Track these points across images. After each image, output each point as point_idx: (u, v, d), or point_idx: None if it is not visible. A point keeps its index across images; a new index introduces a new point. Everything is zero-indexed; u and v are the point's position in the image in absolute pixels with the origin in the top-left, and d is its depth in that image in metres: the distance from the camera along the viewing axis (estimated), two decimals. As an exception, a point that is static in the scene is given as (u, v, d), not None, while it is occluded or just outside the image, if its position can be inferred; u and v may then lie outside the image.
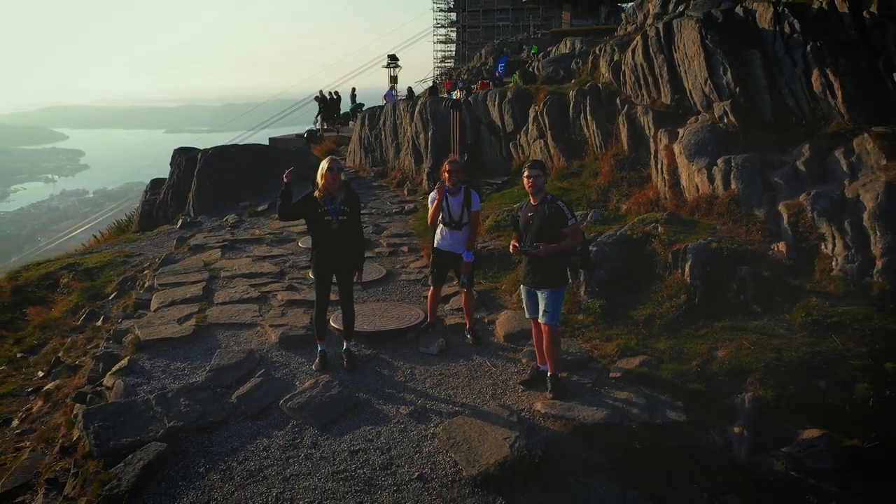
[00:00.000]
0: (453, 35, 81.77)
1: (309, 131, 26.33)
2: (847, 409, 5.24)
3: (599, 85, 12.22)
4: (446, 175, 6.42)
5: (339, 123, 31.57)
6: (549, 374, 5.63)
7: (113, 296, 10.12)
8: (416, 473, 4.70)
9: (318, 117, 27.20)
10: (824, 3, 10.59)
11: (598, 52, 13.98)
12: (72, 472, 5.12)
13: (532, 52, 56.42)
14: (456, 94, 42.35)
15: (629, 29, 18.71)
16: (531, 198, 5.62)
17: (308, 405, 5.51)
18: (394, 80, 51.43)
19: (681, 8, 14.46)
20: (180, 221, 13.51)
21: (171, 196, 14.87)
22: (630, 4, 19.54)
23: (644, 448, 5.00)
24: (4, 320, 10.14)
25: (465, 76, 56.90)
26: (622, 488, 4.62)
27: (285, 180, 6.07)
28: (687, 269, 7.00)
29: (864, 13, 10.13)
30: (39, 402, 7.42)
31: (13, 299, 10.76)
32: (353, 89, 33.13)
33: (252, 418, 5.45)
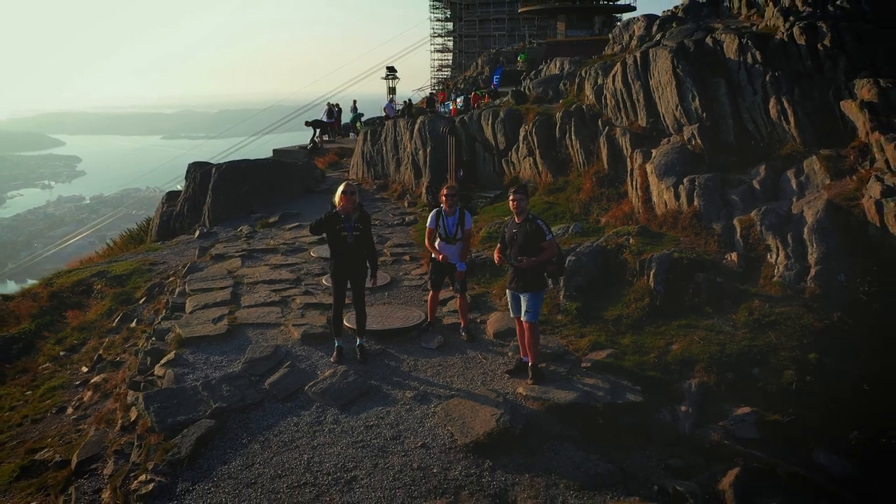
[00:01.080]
0: (450, 44, 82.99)
1: (312, 142, 27.34)
2: (774, 391, 6.36)
3: (584, 107, 13.36)
4: (444, 199, 7.53)
5: (340, 135, 32.66)
6: (530, 364, 6.74)
7: (143, 300, 11.21)
8: (420, 443, 5.81)
9: (317, 132, 28.18)
10: (785, 35, 11.79)
11: (584, 74, 15.13)
12: (135, 444, 6.21)
13: (520, 59, 57.57)
14: (452, 105, 43.36)
15: (616, 49, 19.90)
16: (515, 216, 6.73)
17: (329, 390, 6.61)
18: (392, 90, 52.45)
19: (660, 35, 15.63)
20: (197, 232, 14.61)
21: (187, 208, 15.99)
22: (617, 25, 20.69)
23: (606, 423, 6.11)
24: (45, 322, 11.22)
25: (462, 85, 58.06)
26: (586, 453, 5.73)
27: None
28: (652, 276, 8.12)
29: (819, 46, 11.32)
30: (89, 393, 8.50)
31: (51, 304, 11.84)
32: (354, 102, 34.24)
33: (282, 401, 6.55)
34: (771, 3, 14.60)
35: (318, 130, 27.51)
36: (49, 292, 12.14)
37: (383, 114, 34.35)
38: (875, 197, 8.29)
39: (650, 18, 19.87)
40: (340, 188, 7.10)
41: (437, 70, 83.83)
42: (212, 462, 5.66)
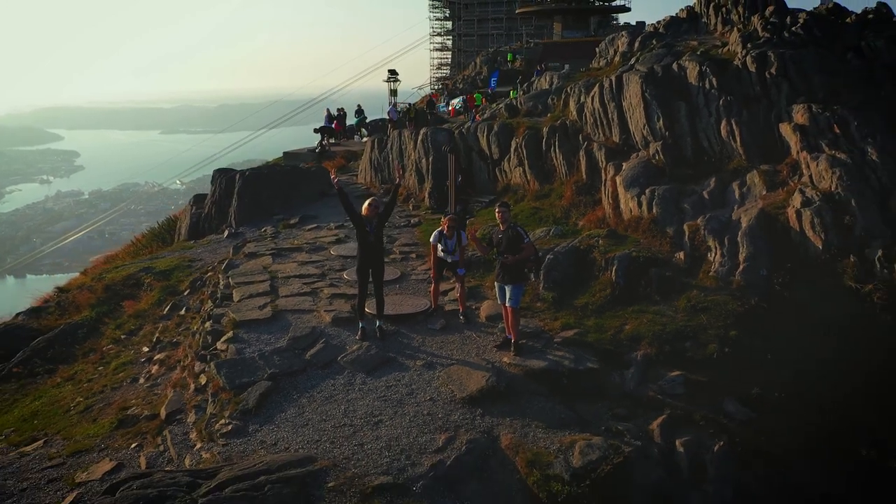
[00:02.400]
0: (449, 43, 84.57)
1: (320, 146, 29.03)
2: (699, 359, 8.27)
3: (567, 122, 15.24)
4: (445, 225, 9.43)
5: (345, 137, 34.46)
6: (513, 340, 8.63)
7: (187, 292, 13.10)
8: (428, 397, 7.71)
9: (325, 136, 29.78)
10: (740, 62, 13.68)
11: (569, 90, 16.98)
12: (210, 400, 8.12)
13: (509, 58, 59.13)
14: (451, 107, 44.99)
15: (601, 63, 21.73)
16: (500, 224, 8.62)
17: (356, 360, 8.51)
18: (394, 93, 54.15)
19: (640, 54, 17.49)
20: (226, 232, 16.49)
21: (214, 210, 17.85)
22: (603, 42, 22.52)
23: (570, 383, 8.02)
24: (104, 311, 13.11)
25: (461, 85, 59.62)
26: (553, 405, 7.64)
27: (336, 188, 9.07)
28: (614, 271, 10.02)
29: (767, 73, 13.20)
30: (156, 367, 10.41)
31: (106, 295, 13.72)
32: (359, 105, 35.98)
33: (321, 368, 8.45)
34: (735, 30, 16.51)
35: (325, 135, 29.24)
36: (103, 285, 14.02)
37: (387, 118, 36.18)
38: (797, 207, 10.20)
39: (633, 34, 21.69)
40: (367, 201, 8.99)
41: (437, 68, 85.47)
42: (272, 411, 7.57)
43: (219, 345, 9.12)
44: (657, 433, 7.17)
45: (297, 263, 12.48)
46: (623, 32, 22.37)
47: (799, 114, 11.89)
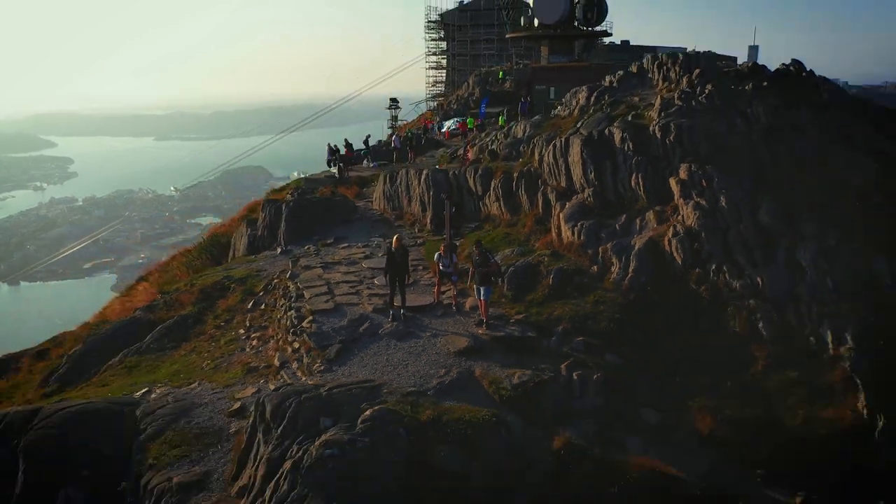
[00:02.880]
0: (444, 62, 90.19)
1: (339, 169, 34.25)
2: (596, 331, 13.91)
3: (531, 169, 20.87)
4: (442, 249, 15.03)
5: (354, 163, 39.97)
6: (484, 321, 14.23)
7: (262, 293, 18.64)
8: (434, 352, 13.32)
9: (337, 162, 35.02)
10: (651, 129, 19.34)
11: (535, 142, 22.59)
12: (304, 355, 13.70)
13: (500, 76, 64.74)
14: (446, 129, 50.67)
15: (565, 112, 27.36)
16: (476, 251, 14.24)
17: (391, 333, 14.12)
18: (395, 118, 59.88)
19: (594, 109, 23.17)
20: (278, 249, 22.04)
21: (266, 232, 23.42)
22: (567, 95, 28.18)
23: (518, 344, 13.64)
24: (204, 307, 18.66)
25: (455, 106, 65.17)
26: (506, 356, 13.25)
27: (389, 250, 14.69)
28: (551, 279, 15.66)
29: (668, 139, 18.87)
30: (255, 341, 15.98)
31: (201, 295, 19.27)
32: (368, 136, 41.58)
33: (369, 337, 14.05)
34: (659, 97, 22.16)
35: (341, 164, 34.69)
36: (198, 288, 19.58)
37: (392, 145, 41.78)
38: (670, 237, 15.86)
39: (591, 90, 27.29)
40: (395, 236, 14.62)
41: (433, 85, 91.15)
42: (345, 359, 13.19)
43: (304, 324, 14.71)
44: (563, 370, 12.79)
45: (340, 273, 18.09)
46: (584, 88, 27.97)
47: (682, 171, 17.55)
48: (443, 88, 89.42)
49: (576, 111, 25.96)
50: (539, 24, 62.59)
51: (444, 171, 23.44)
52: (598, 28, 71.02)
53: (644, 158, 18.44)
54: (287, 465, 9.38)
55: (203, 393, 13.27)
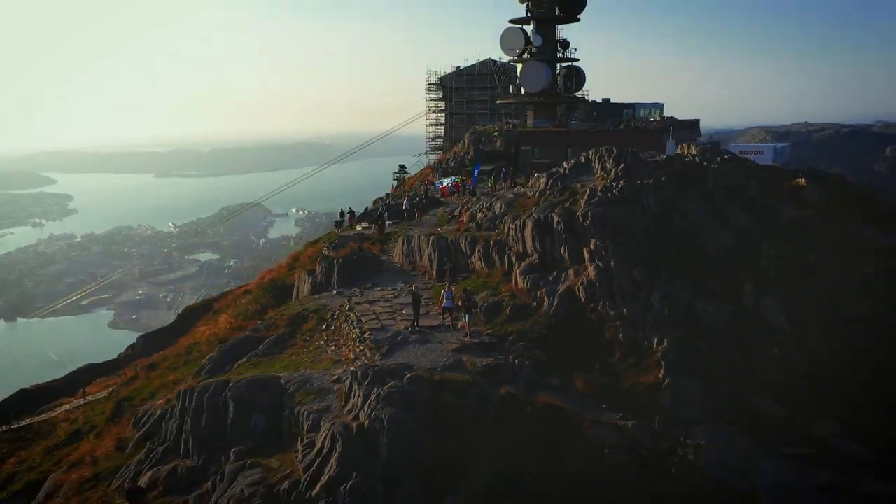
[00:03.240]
0: (442, 118, 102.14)
1: (378, 226, 45.29)
2: (531, 338, 24.84)
3: (502, 239, 31.96)
4: (444, 291, 26.06)
5: (375, 222, 50.98)
6: (468, 334, 25.15)
7: (330, 319, 29.50)
8: (440, 349, 24.23)
9: (351, 222, 46.27)
10: (577, 215, 30.54)
11: (507, 218, 33.71)
12: (367, 352, 24.57)
13: (495, 134, 76.53)
14: (443, 186, 62.21)
15: (530, 192, 38.62)
16: (464, 294, 25.24)
17: (415, 341, 25.08)
18: (402, 181, 71.43)
19: (549, 192, 34.41)
20: (334, 291, 32.91)
21: (323, 279, 34.37)
22: (535, 176, 39.46)
23: (486, 346, 24.57)
24: (293, 329, 29.48)
25: (452, 163, 76.40)
26: (480, 352, 24.16)
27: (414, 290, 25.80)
28: (508, 310, 26.65)
29: (586, 223, 30.00)
30: (332, 347, 26.82)
31: (290, 321, 30.11)
32: (386, 197, 52.78)
33: (403, 343, 24.96)
34: (588, 190, 33.36)
35: (363, 222, 45.85)
36: (287, 317, 30.44)
37: (404, 206, 52.98)
38: (578, 284, 26.88)
39: (549, 176, 38.57)
40: (414, 284, 25.66)
41: (432, 139, 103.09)
42: (391, 354, 24.15)
43: (365, 335, 25.59)
44: (510, 359, 23.62)
45: (380, 306, 29.03)
46: (543, 174, 39.23)
47: (592, 244, 28.61)
48: (441, 142, 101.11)
49: (537, 193, 37.24)
50: (525, 92, 74.26)
51: (445, 237, 34.54)
52: (577, 94, 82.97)
53: (570, 235, 29.57)
54: (372, 396, 20.09)
55: (312, 374, 24.03)
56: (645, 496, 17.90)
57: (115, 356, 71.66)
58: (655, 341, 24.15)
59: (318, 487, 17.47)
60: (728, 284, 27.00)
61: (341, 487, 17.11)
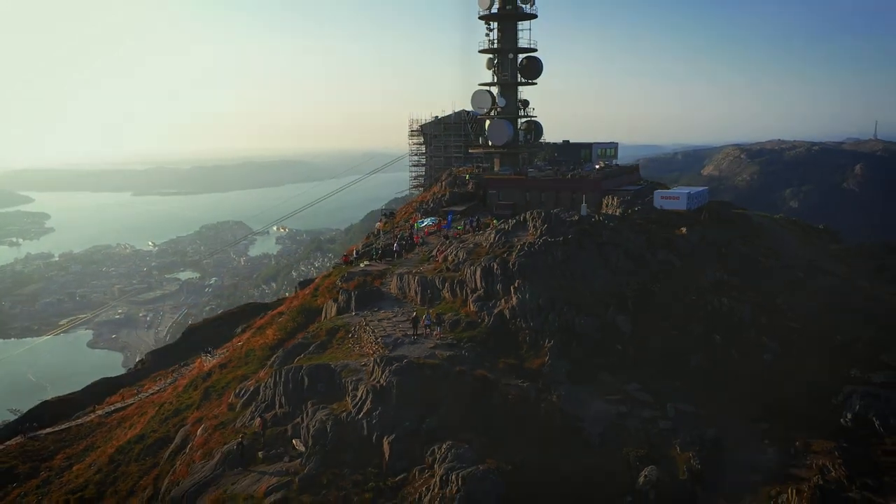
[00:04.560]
0: (423, 161, 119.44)
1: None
2: (478, 341, 42.43)
3: (465, 279, 49.48)
4: (425, 314, 43.61)
5: (376, 258, 68.28)
6: (438, 340, 42.62)
7: (354, 330, 46.80)
8: (422, 347, 41.67)
9: (359, 259, 63.51)
10: (509, 265, 48.38)
11: (468, 263, 51.20)
12: (381, 349, 41.94)
13: (467, 177, 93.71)
14: (424, 226, 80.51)
15: (484, 244, 56.29)
16: (434, 315, 42.75)
17: (409, 343, 42.51)
18: (389, 225, 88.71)
19: (496, 246, 52.20)
20: (353, 312, 50.13)
21: (345, 304, 51.59)
22: (487, 229, 57.19)
23: (449, 346, 42.16)
24: (330, 337, 46.76)
25: (431, 204, 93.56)
26: (446, 349, 41.71)
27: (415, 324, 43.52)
28: (464, 324, 44.26)
29: (514, 268, 47.77)
30: (358, 347, 44.17)
31: (326, 333, 47.40)
32: (377, 233, 70.27)
33: (402, 344, 42.40)
34: (518, 245, 51.14)
35: (365, 260, 63.16)
36: (324, 330, 47.73)
37: (394, 247, 70.27)
38: (507, 308, 44.58)
39: (498, 233, 56.26)
40: (416, 312, 43.21)
41: (414, 178, 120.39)
42: (395, 349, 41.53)
43: (378, 340, 42.98)
44: (463, 351, 41.08)
45: (385, 323, 46.47)
46: (493, 231, 56.84)
47: (517, 283, 46.21)
48: (423, 180, 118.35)
49: (488, 245, 54.94)
50: (492, 144, 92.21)
51: (425, 276, 52.03)
52: (536, 143, 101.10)
53: (504, 276, 47.24)
54: (386, 371, 37.29)
55: (348, 362, 41.27)
56: (533, 425, 35.23)
57: (97, 377, 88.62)
58: (546, 341, 41.75)
59: (361, 415, 34.78)
60: (600, 306, 44.79)
61: (374, 413, 34.46)
